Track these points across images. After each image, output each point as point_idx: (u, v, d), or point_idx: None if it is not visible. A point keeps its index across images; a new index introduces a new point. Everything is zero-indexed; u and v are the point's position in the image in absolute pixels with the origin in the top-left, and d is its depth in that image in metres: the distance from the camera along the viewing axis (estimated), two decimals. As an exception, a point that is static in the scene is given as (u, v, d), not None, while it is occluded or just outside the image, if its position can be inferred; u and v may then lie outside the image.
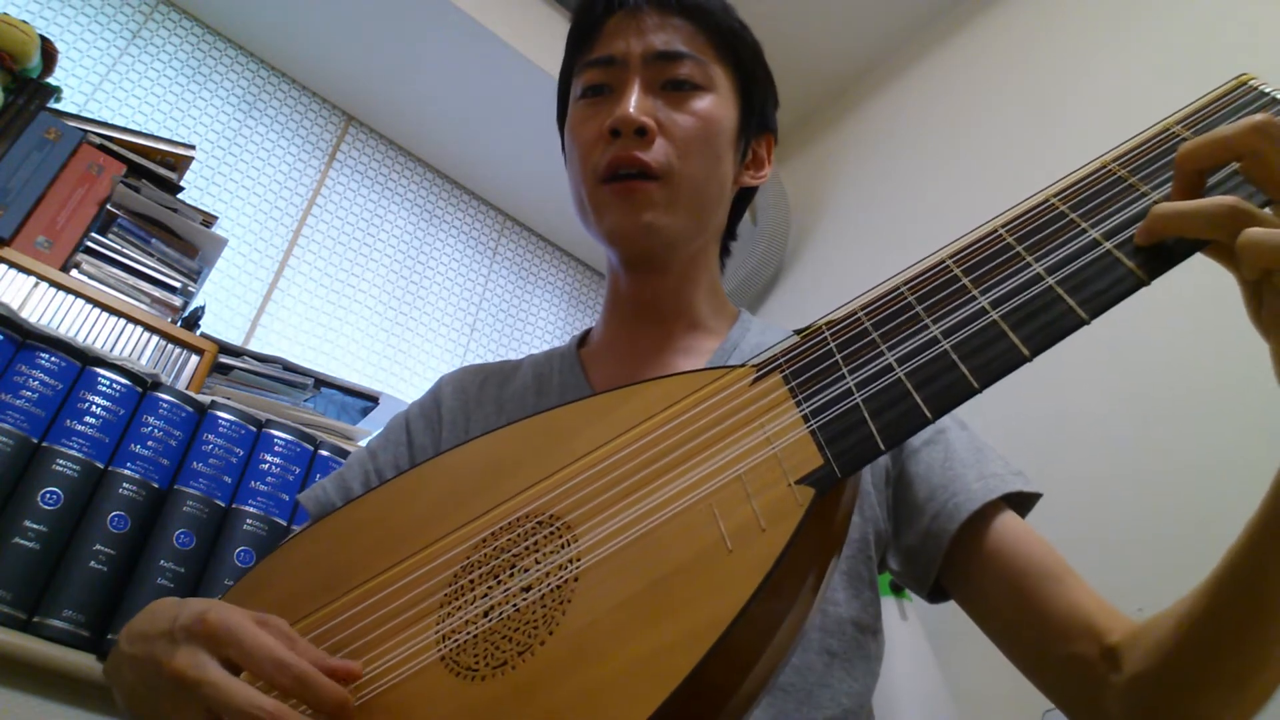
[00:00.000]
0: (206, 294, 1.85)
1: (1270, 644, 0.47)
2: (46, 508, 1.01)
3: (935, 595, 0.67)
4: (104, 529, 1.03)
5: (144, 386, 1.15)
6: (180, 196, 1.58)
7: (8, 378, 1.05)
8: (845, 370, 0.44)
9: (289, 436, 1.23)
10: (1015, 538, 0.63)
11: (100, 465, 1.07)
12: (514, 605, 0.45)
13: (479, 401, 0.79)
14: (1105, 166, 0.44)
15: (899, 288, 0.46)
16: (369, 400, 1.55)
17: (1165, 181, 0.42)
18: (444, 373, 0.87)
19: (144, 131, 1.60)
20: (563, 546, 0.46)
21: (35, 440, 1.04)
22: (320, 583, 0.53)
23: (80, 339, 1.30)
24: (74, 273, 1.37)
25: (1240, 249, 0.37)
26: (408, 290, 2.38)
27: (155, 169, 1.54)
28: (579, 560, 0.44)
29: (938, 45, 2.09)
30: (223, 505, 1.14)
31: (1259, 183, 0.39)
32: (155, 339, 1.39)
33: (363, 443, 1.36)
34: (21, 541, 0.98)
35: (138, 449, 1.10)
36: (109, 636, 1.00)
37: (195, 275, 1.53)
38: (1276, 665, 0.48)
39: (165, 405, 1.15)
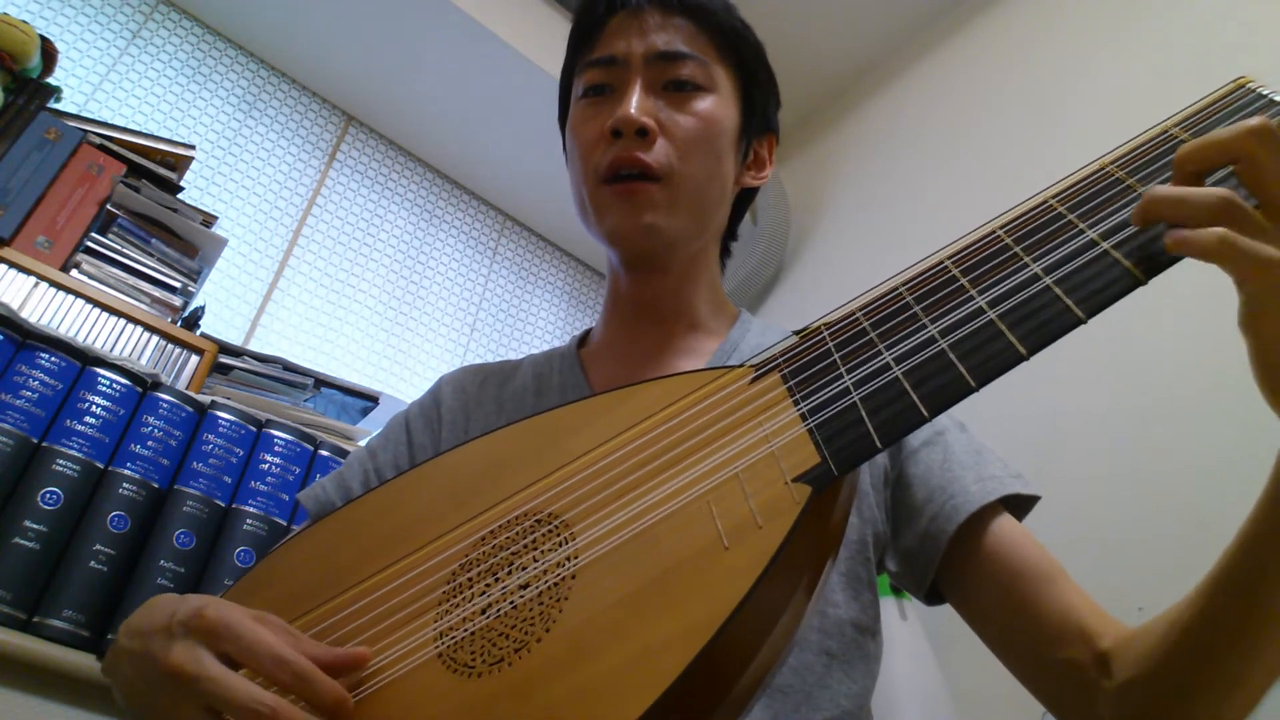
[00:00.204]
0: (206, 294, 1.86)
1: (1261, 650, 0.47)
2: (46, 508, 1.01)
3: (932, 597, 0.67)
4: (104, 529, 1.03)
5: (144, 386, 1.16)
6: (180, 196, 1.58)
7: (8, 378, 1.05)
8: (843, 369, 0.44)
9: (289, 436, 1.23)
10: (1012, 541, 0.63)
11: (100, 465, 1.07)
12: (511, 603, 0.45)
13: (479, 401, 0.79)
14: (1104, 168, 0.45)
15: (897, 288, 0.46)
16: (369, 400, 1.55)
17: (1163, 183, 0.42)
18: (444, 373, 0.87)
19: (144, 131, 1.60)
20: (560, 544, 0.46)
21: (35, 440, 1.04)
22: (320, 581, 0.54)
23: (80, 339, 1.30)
24: (74, 273, 1.37)
25: (1216, 247, 0.38)
26: (408, 290, 2.38)
27: (155, 169, 1.55)
28: (576, 558, 0.45)
29: (938, 45, 2.09)
30: (223, 505, 1.14)
31: (1251, 186, 0.39)
32: (155, 339, 1.39)
33: (363, 443, 1.36)
34: (21, 541, 0.98)
35: (138, 449, 1.10)
36: (109, 636, 1.00)
37: (195, 275, 1.53)
38: (1266, 672, 0.48)
39: (165, 405, 1.15)
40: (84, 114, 1.74)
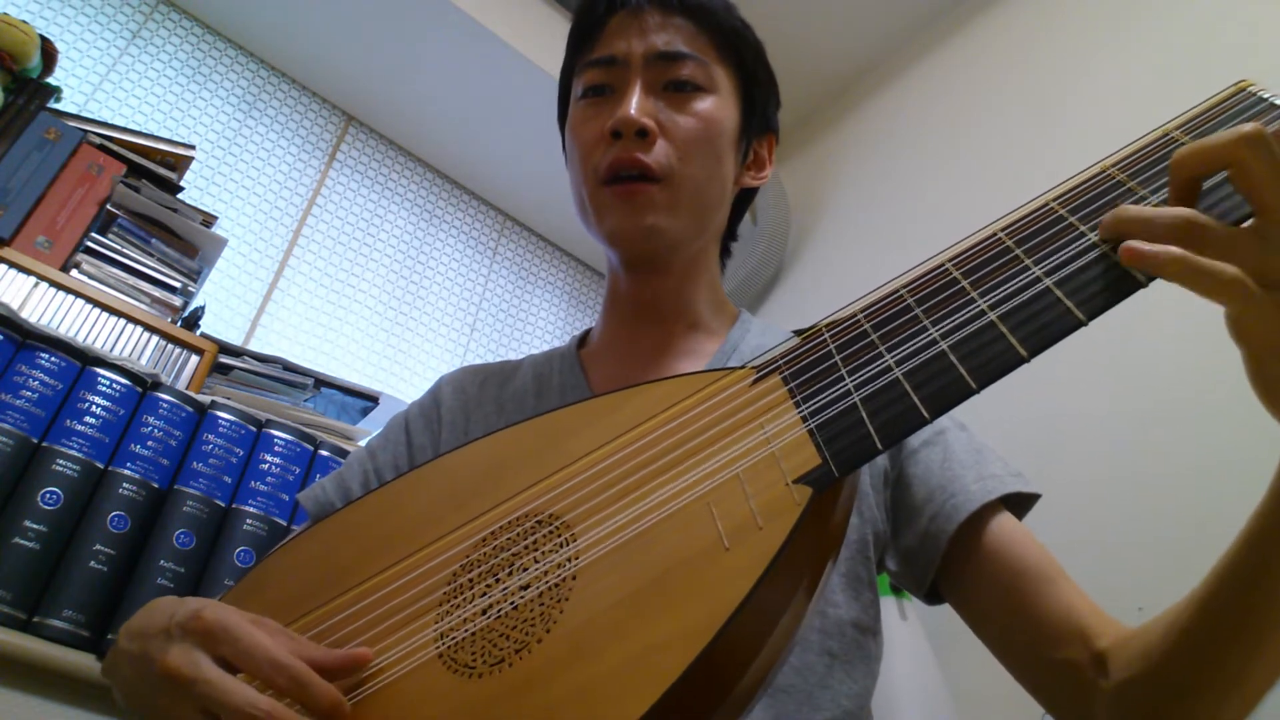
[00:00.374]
0: (206, 294, 1.86)
1: (1261, 651, 0.47)
2: (46, 508, 1.01)
3: (932, 597, 0.67)
4: (104, 529, 1.03)
5: (144, 386, 1.16)
6: (180, 196, 1.58)
7: (8, 378, 1.05)
8: (844, 371, 0.44)
9: (289, 436, 1.23)
10: (1012, 539, 0.63)
11: (100, 465, 1.07)
12: (512, 603, 0.45)
13: (479, 402, 0.79)
14: (1105, 170, 0.45)
15: (898, 290, 0.47)
16: (369, 400, 1.55)
17: (1163, 186, 0.42)
18: (444, 373, 0.87)
19: (144, 131, 1.60)
20: (561, 545, 0.46)
21: (35, 440, 1.04)
22: (320, 582, 0.54)
23: (80, 339, 1.30)
24: (74, 273, 1.37)
25: (1173, 270, 0.38)
26: (408, 290, 2.38)
27: (155, 169, 1.55)
28: (577, 559, 0.45)
29: (938, 45, 2.09)
30: (223, 505, 1.14)
31: (1243, 192, 0.40)
32: (155, 339, 1.39)
33: (363, 443, 1.36)
34: (21, 541, 0.98)
35: (138, 449, 1.10)
36: (109, 636, 1.00)
37: (195, 275, 1.53)
38: (1263, 674, 0.48)
39: (165, 405, 1.15)
40: (84, 114, 1.74)
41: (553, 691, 0.40)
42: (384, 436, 0.81)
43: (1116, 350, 1.28)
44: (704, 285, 0.79)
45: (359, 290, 2.28)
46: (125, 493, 1.07)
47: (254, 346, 1.88)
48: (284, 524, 1.17)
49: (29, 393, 1.05)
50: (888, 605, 1.16)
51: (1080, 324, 0.38)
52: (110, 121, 1.61)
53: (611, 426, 0.51)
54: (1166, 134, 0.45)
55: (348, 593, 0.52)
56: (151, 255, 1.48)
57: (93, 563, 1.01)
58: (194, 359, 1.42)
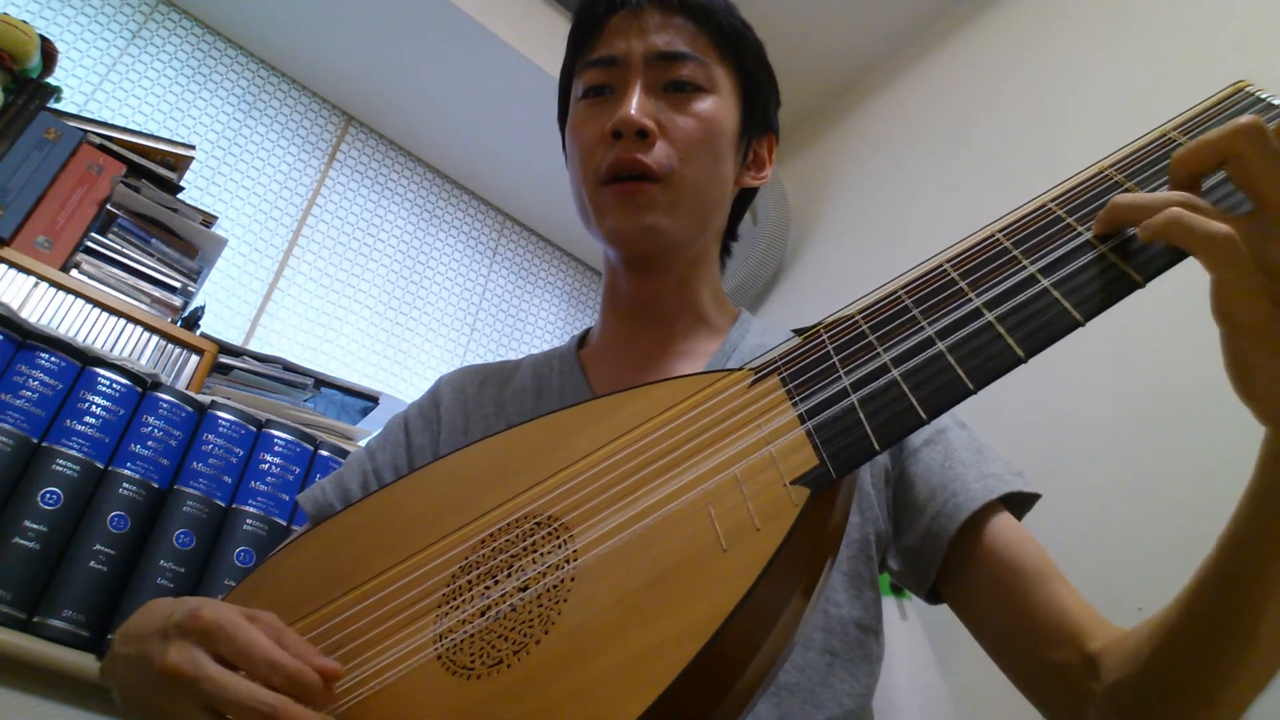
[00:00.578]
0: (206, 294, 1.86)
1: (1245, 656, 0.47)
2: (46, 508, 1.01)
3: (933, 596, 0.68)
4: (104, 529, 1.04)
5: (144, 386, 1.16)
6: (180, 196, 1.58)
7: (8, 378, 1.05)
8: (842, 372, 0.44)
9: (289, 436, 1.23)
10: (1010, 539, 0.63)
11: (100, 465, 1.07)
12: (511, 604, 0.45)
13: (478, 402, 0.79)
14: (1103, 172, 0.45)
15: (896, 291, 0.47)
16: (369, 400, 1.55)
17: (1161, 186, 0.42)
18: (443, 373, 0.87)
19: (144, 131, 1.60)
20: (560, 546, 0.46)
21: (35, 440, 1.04)
22: (320, 584, 0.54)
23: (80, 339, 1.30)
24: (74, 273, 1.37)
25: (1163, 225, 0.38)
26: (408, 290, 2.38)
27: (155, 169, 1.55)
28: (575, 560, 0.45)
29: (938, 45, 2.09)
30: (223, 505, 1.14)
31: (1242, 186, 0.40)
32: (155, 339, 1.39)
33: (362, 443, 1.36)
34: (21, 541, 0.98)
35: (138, 449, 1.10)
36: (109, 636, 1.00)
37: (195, 275, 1.53)
38: (1251, 678, 0.48)
39: (165, 405, 1.15)
40: (84, 114, 1.74)
41: (551, 692, 0.40)
42: (383, 437, 0.81)
43: (1117, 351, 1.28)
44: (704, 285, 0.79)
45: (359, 290, 2.28)
46: (125, 493, 1.07)
47: (254, 346, 1.88)
48: (284, 524, 1.17)
49: (29, 393, 1.06)
50: (888, 605, 1.16)
51: (1078, 324, 0.38)
52: (110, 121, 1.61)
53: (610, 428, 0.51)
54: (1164, 134, 0.45)
55: (347, 594, 0.52)
56: (151, 255, 1.48)
57: (93, 563, 1.01)
58: (194, 359, 1.42)
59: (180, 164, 1.61)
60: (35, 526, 0.99)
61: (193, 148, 1.64)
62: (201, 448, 1.15)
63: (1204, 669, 0.48)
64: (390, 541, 0.54)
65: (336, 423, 1.44)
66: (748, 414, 0.46)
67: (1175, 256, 0.39)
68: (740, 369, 0.50)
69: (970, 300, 0.42)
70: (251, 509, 1.15)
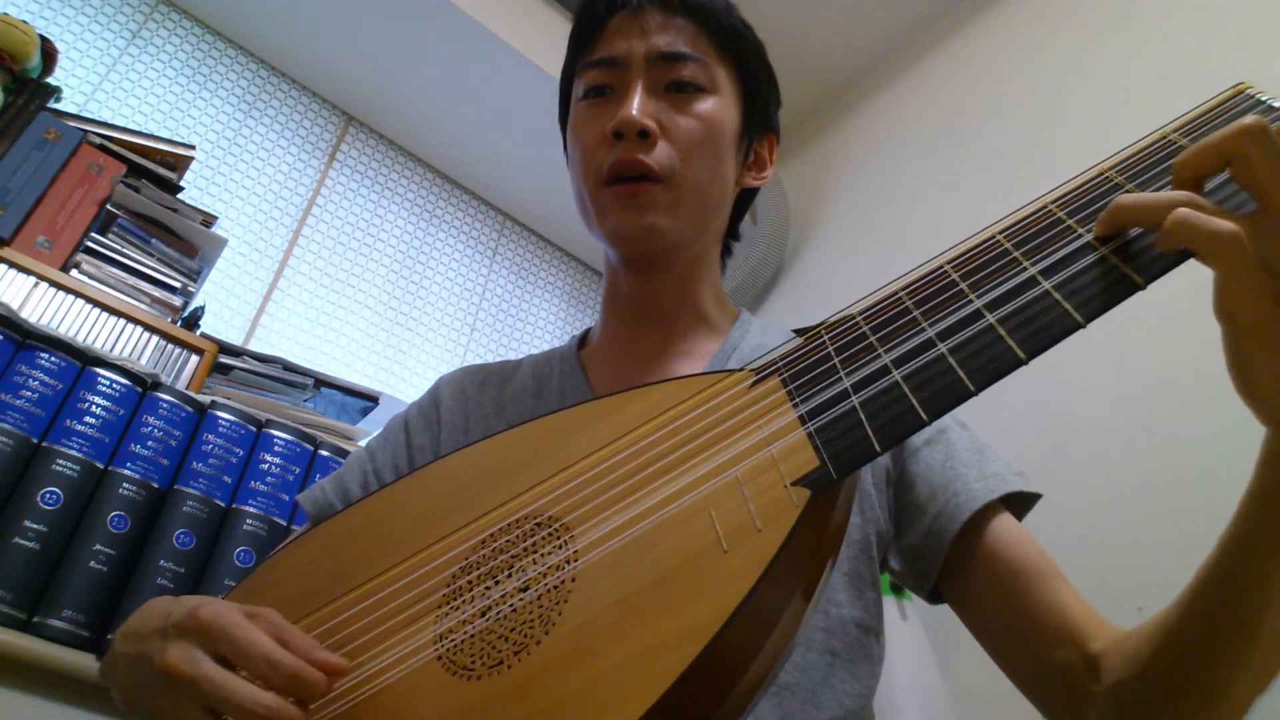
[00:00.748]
0: (206, 294, 1.86)
1: (1245, 657, 0.47)
2: (46, 508, 1.01)
3: (934, 596, 0.68)
4: (104, 529, 1.04)
5: (144, 386, 1.16)
6: (180, 196, 1.58)
7: (8, 378, 1.05)
8: (842, 373, 0.44)
9: (289, 436, 1.23)
10: (1011, 539, 0.63)
11: (100, 465, 1.07)
12: (511, 605, 0.45)
13: (478, 402, 0.79)
14: (1104, 174, 0.45)
15: (897, 293, 0.47)
16: (369, 400, 1.55)
17: (1162, 188, 0.42)
18: (444, 373, 0.87)
19: (144, 131, 1.60)
20: (560, 547, 0.46)
21: (35, 440, 1.04)
22: (320, 584, 0.54)
23: (80, 339, 1.30)
24: (74, 273, 1.37)
25: (1168, 227, 0.38)
26: (408, 290, 2.38)
27: (155, 169, 1.55)
28: (576, 560, 0.45)
29: (938, 45, 2.09)
30: (223, 505, 1.14)
31: (1245, 186, 0.39)
32: (155, 339, 1.39)
33: (362, 443, 1.36)
34: (21, 541, 0.98)
35: (138, 449, 1.10)
36: (109, 636, 1.00)
37: (195, 275, 1.53)
38: (1252, 679, 0.48)
39: (165, 405, 1.15)
40: (84, 114, 1.74)
41: (551, 693, 0.40)
42: (383, 437, 0.81)
43: (1117, 351, 1.28)
44: (705, 285, 0.79)
45: (359, 290, 2.28)
46: (125, 493, 1.07)
47: (254, 346, 1.88)
48: (284, 524, 1.17)
49: (29, 393, 1.06)
50: (888, 605, 1.16)
51: (1078, 326, 0.38)
52: (110, 121, 1.61)
53: (611, 429, 0.51)
54: (1165, 136, 0.45)
55: (347, 594, 0.52)
56: (151, 255, 1.48)
57: (93, 563, 1.01)
58: (194, 359, 1.42)
59: (180, 164, 1.61)
60: (35, 526, 0.99)
61: (193, 148, 1.64)
62: (201, 448, 1.15)
63: (1205, 669, 0.48)
64: (390, 541, 0.54)
65: (336, 423, 1.44)
66: (749, 415, 0.46)
67: (1177, 258, 0.39)
68: (741, 370, 0.50)
69: (971, 302, 0.42)
70: (251, 509, 1.15)
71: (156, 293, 1.45)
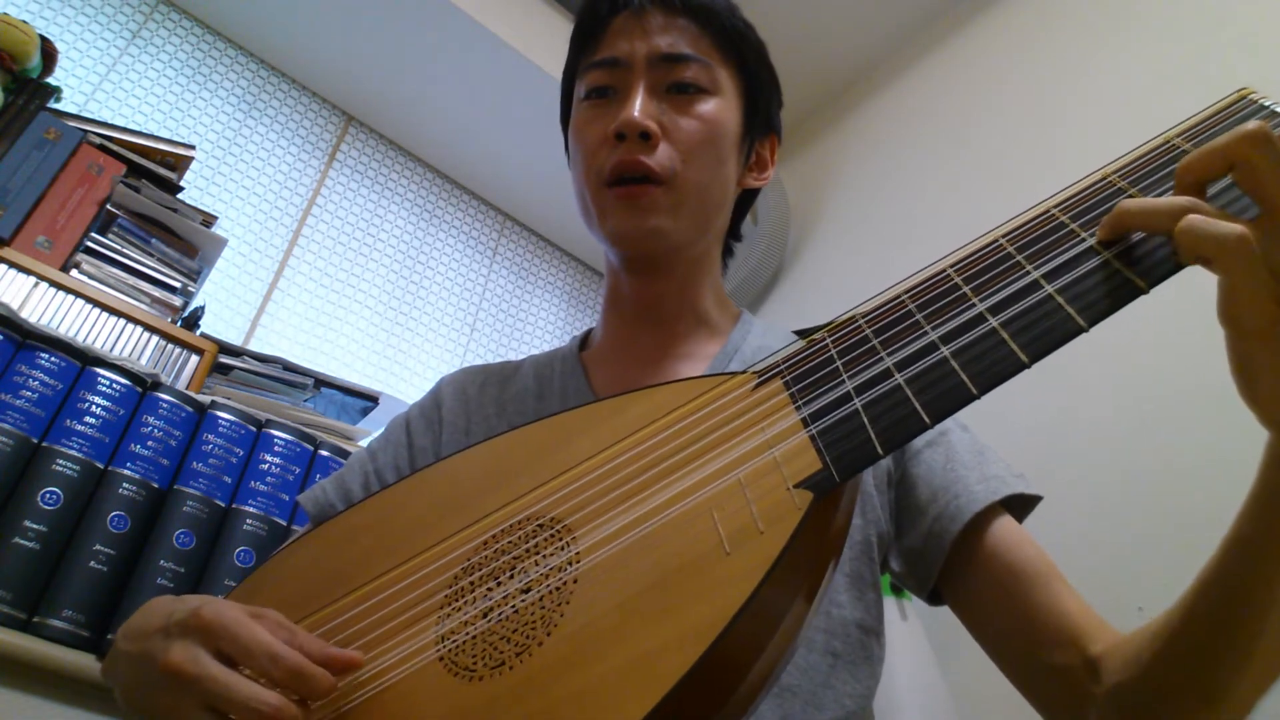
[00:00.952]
0: (206, 294, 1.86)
1: (1247, 659, 0.47)
2: (46, 508, 1.01)
3: (934, 598, 0.68)
4: (104, 529, 1.04)
5: (144, 386, 1.16)
6: (180, 196, 1.58)
7: (8, 378, 1.05)
8: (845, 376, 0.44)
9: (289, 436, 1.23)
10: (1012, 541, 0.63)
11: (100, 465, 1.07)
12: (513, 606, 0.45)
13: (479, 403, 0.79)
14: (1106, 178, 0.45)
15: (900, 295, 0.47)
16: (369, 400, 1.55)
17: (1165, 193, 0.42)
18: (444, 373, 0.87)
19: (144, 131, 1.60)
20: (562, 549, 0.46)
21: (35, 440, 1.04)
22: (321, 585, 0.54)
23: (80, 339, 1.30)
24: (74, 273, 1.37)
25: (1177, 234, 0.38)
26: (408, 290, 2.38)
27: (155, 169, 1.55)
28: (578, 562, 0.45)
29: (938, 45, 2.09)
30: (223, 505, 1.14)
31: (1249, 191, 0.40)
32: (155, 339, 1.39)
33: (363, 443, 1.36)
34: (21, 541, 0.98)
35: (138, 449, 1.10)
36: (109, 636, 1.00)
37: (195, 275, 1.53)
38: (1253, 681, 0.48)
39: (165, 405, 1.15)
40: (84, 114, 1.74)
41: (553, 694, 0.40)
42: (385, 438, 0.81)
43: (1118, 354, 1.28)
44: (706, 286, 0.79)
45: (359, 290, 2.28)
46: (125, 493, 1.07)
47: (254, 346, 1.88)
48: (284, 524, 1.17)
49: (29, 393, 1.06)
50: (889, 605, 1.16)
51: (1081, 330, 0.38)
52: (110, 121, 1.61)
53: (613, 431, 0.51)
54: (1168, 141, 0.45)
55: (349, 595, 0.52)
56: (151, 255, 1.48)
57: (93, 563, 1.01)
58: (194, 359, 1.42)
59: (180, 164, 1.61)
60: (35, 526, 0.99)
61: (193, 148, 1.64)
62: (201, 448, 1.15)
63: (1206, 670, 0.48)
64: (392, 542, 0.54)
65: (336, 423, 1.44)
66: (751, 417, 0.46)
67: (1179, 264, 0.39)
68: (744, 372, 0.50)
69: (974, 305, 0.42)
70: (251, 509, 1.15)
71: (156, 293, 1.45)
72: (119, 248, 1.44)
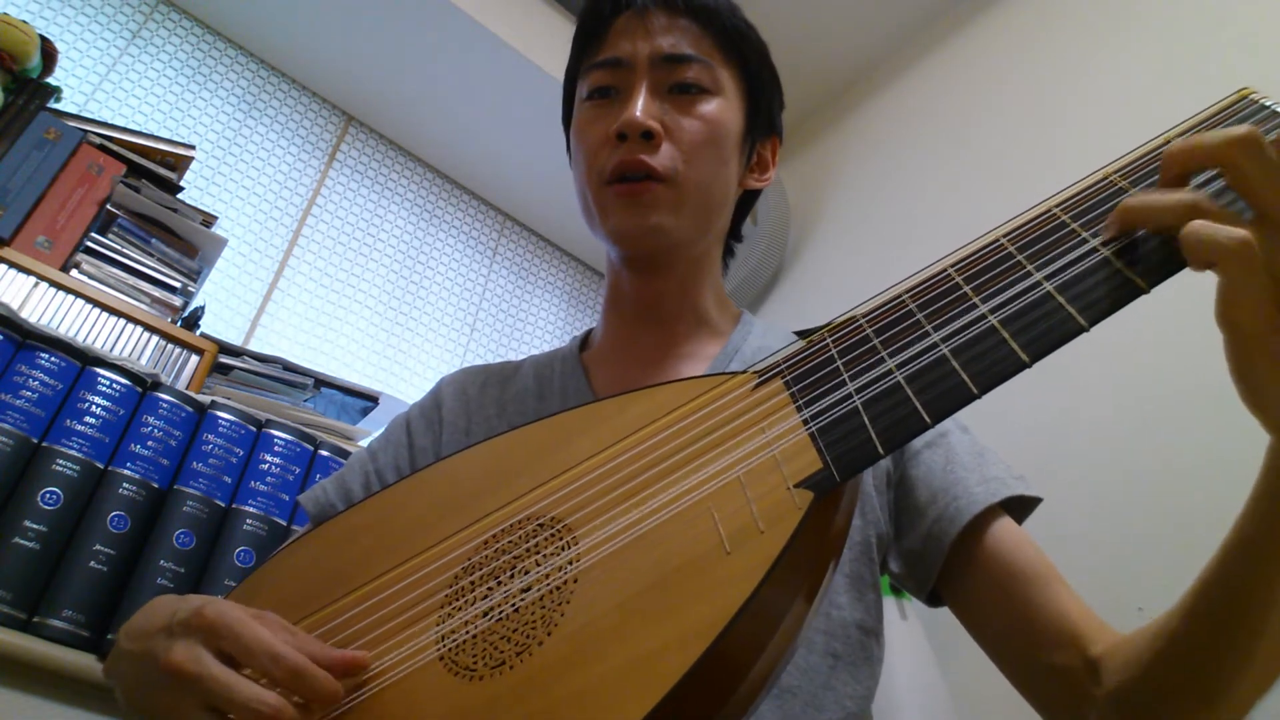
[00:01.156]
0: (206, 294, 1.86)
1: (1247, 660, 0.47)
2: (46, 508, 1.01)
3: (934, 599, 0.68)
4: (104, 529, 1.04)
5: (144, 386, 1.16)
6: (180, 196, 1.58)
7: (8, 378, 1.05)
8: (846, 375, 0.44)
9: (289, 436, 1.23)
10: (1012, 543, 0.63)
11: (100, 465, 1.07)
12: (513, 605, 0.45)
13: (480, 403, 0.79)
14: (1107, 178, 0.45)
15: (900, 295, 0.47)
16: (369, 400, 1.55)
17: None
18: (444, 373, 0.87)
19: (144, 131, 1.60)
20: (563, 548, 0.46)
21: (35, 440, 1.04)
22: (322, 584, 0.54)
23: (80, 339, 1.30)
24: (74, 273, 1.37)
25: (1183, 239, 0.38)
26: (408, 290, 2.38)
27: (155, 169, 1.55)
28: (578, 561, 0.45)
29: (938, 45, 2.09)
30: (223, 505, 1.14)
31: (1242, 195, 0.40)
32: (155, 339, 1.39)
33: (363, 443, 1.36)
34: (21, 541, 0.98)
35: (138, 449, 1.10)
36: (109, 636, 1.00)
37: (195, 275, 1.53)
38: (1253, 682, 0.48)
39: (165, 405, 1.15)
40: (84, 114, 1.74)
41: (553, 694, 0.40)
42: (385, 438, 0.81)
43: (1118, 354, 1.28)
44: (707, 286, 0.79)
45: (359, 290, 2.28)
46: (125, 493, 1.07)
47: (254, 346, 1.88)
48: (284, 524, 1.17)
49: (29, 393, 1.06)
50: (888, 605, 1.16)
51: (1082, 330, 0.38)
52: (110, 121, 1.61)
53: (613, 430, 0.51)
54: (1168, 141, 0.45)
55: (349, 595, 0.52)
56: (151, 255, 1.48)
57: (93, 563, 1.01)
58: (194, 359, 1.42)
59: (180, 164, 1.61)
60: (35, 526, 0.99)
61: (193, 148, 1.64)
62: (201, 448, 1.15)
63: (1207, 671, 0.48)
64: (392, 542, 0.54)
65: (336, 423, 1.44)
66: (751, 417, 0.46)
67: (1180, 263, 0.39)
68: (744, 372, 0.50)
69: (975, 305, 0.42)
70: (251, 509, 1.15)
71: (156, 293, 1.45)
72: (119, 248, 1.44)
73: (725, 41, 0.75)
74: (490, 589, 0.47)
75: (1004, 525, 0.65)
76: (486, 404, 0.79)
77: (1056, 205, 0.45)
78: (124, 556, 1.04)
